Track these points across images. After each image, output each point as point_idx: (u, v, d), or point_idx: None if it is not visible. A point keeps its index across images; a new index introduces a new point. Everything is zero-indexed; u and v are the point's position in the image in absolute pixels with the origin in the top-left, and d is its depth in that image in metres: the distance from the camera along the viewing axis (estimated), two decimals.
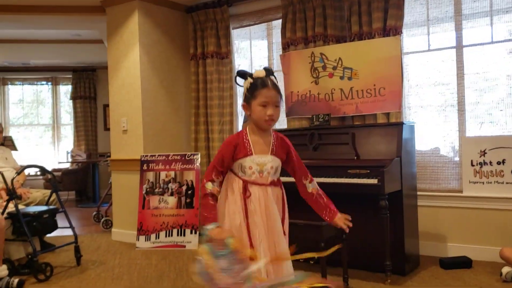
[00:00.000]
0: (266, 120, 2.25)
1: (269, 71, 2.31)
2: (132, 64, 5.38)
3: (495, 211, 4.08)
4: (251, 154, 2.29)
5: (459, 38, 4.32)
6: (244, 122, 5.09)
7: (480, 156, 4.15)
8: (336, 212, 2.42)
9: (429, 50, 4.51)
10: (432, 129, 4.49)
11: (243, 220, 2.27)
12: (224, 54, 5.50)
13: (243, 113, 2.38)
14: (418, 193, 4.21)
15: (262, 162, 2.30)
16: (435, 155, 4.47)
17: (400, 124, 3.87)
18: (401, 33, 4.30)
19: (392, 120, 4.27)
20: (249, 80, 2.30)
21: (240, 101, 5.59)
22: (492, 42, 4.23)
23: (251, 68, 5.73)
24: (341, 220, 2.40)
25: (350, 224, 2.41)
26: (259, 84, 2.26)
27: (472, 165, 4.18)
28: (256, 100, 2.25)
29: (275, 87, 2.28)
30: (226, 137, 5.45)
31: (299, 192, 2.49)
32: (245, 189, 2.29)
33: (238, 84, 2.40)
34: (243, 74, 2.35)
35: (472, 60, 4.30)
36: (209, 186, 2.28)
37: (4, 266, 3.84)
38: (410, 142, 4.00)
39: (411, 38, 4.59)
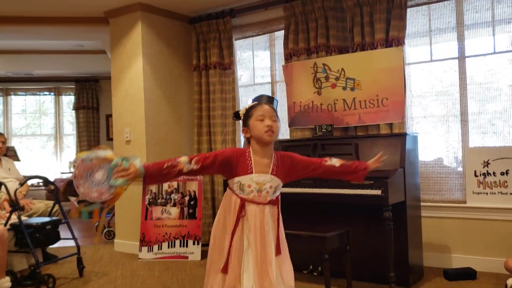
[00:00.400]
0: (266, 131, 2.28)
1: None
2: (135, 74, 5.40)
3: (500, 222, 4.06)
4: (251, 172, 2.31)
5: (461, 48, 4.34)
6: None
7: (484, 167, 4.14)
8: (366, 164, 2.55)
9: (431, 60, 4.52)
10: (435, 140, 4.49)
11: (228, 240, 2.30)
12: (227, 65, 5.52)
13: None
14: (422, 204, 4.20)
15: (261, 181, 2.31)
16: (438, 165, 4.47)
17: (404, 135, 3.87)
18: (404, 43, 4.31)
19: (395, 130, 4.27)
20: (245, 108, 2.41)
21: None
22: (494, 53, 4.23)
23: (253, 78, 5.75)
24: (374, 164, 2.57)
25: (382, 160, 2.59)
26: (254, 105, 2.37)
27: (476, 176, 4.17)
28: (253, 117, 2.32)
29: (270, 105, 2.37)
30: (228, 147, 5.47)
31: (332, 174, 2.51)
32: (241, 208, 2.30)
33: (238, 119, 2.45)
34: (238, 113, 2.45)
35: (475, 71, 4.31)
36: (184, 159, 2.27)
37: (7, 278, 3.84)
38: (413, 152, 3.99)
39: (414, 49, 4.60)
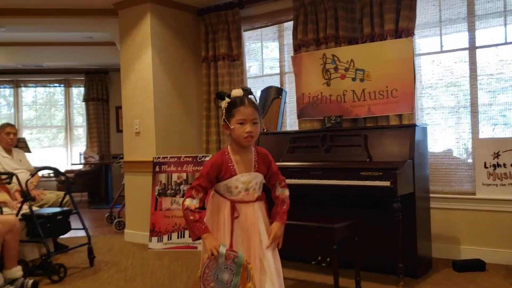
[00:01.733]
0: (245, 137, 2.26)
1: (246, 91, 2.34)
2: (144, 66, 5.41)
3: (509, 214, 4.04)
4: (235, 174, 2.31)
5: (472, 39, 4.29)
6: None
7: (494, 158, 4.11)
8: (278, 221, 2.38)
9: (441, 51, 4.48)
10: (444, 131, 4.47)
11: (228, 243, 2.30)
12: (236, 56, 5.51)
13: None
14: (431, 195, 4.18)
15: (247, 180, 2.32)
16: (448, 157, 4.44)
17: (413, 126, 3.85)
18: (413, 34, 4.28)
19: (404, 121, 4.25)
20: (227, 100, 2.33)
21: None
22: (506, 43, 4.19)
23: (262, 69, 5.74)
24: (274, 230, 2.35)
25: (277, 245, 2.38)
26: (237, 103, 2.29)
27: (486, 167, 4.15)
28: (234, 118, 2.28)
29: (253, 104, 2.30)
30: None
31: (271, 194, 2.49)
32: (233, 210, 2.31)
33: (219, 106, 2.42)
34: (221, 96, 2.37)
35: (486, 61, 4.26)
36: (187, 202, 2.27)
37: (19, 267, 3.88)
38: (422, 144, 3.97)
39: (424, 39, 4.57)
